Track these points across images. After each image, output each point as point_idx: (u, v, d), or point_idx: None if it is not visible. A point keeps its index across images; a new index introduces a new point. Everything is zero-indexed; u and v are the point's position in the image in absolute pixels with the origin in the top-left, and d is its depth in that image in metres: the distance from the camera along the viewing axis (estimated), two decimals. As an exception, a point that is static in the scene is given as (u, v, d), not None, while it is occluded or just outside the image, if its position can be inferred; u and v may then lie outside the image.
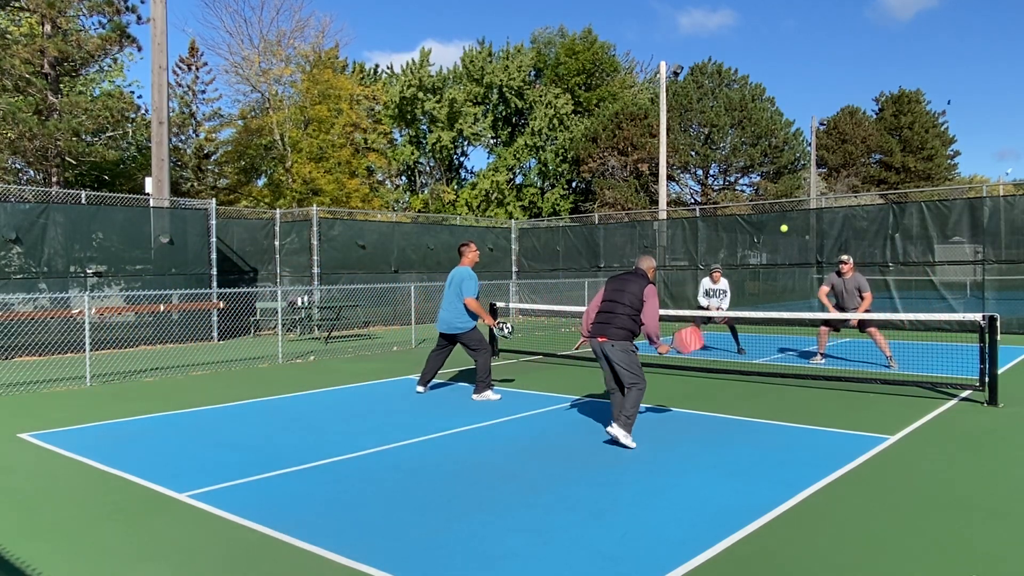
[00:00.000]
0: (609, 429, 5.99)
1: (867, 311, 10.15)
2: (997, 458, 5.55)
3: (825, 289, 10.75)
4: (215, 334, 15.49)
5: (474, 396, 8.33)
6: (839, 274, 10.53)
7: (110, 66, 26.78)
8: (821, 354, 11.09)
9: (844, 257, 10.54)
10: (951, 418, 6.99)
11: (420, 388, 8.79)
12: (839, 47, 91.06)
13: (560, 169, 36.94)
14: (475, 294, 8.41)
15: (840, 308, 10.54)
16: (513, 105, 36.58)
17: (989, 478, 5.03)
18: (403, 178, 38.07)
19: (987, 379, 7.53)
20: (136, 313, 14.63)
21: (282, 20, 38.11)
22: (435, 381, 9.82)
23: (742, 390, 8.66)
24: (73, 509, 4.61)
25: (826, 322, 10.88)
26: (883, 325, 11.32)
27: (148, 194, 16.37)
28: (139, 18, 20.29)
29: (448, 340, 8.60)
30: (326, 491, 4.89)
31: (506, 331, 9.09)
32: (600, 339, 6.25)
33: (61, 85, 21.58)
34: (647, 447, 5.97)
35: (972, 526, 4.12)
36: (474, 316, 8.46)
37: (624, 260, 21.12)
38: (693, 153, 35.17)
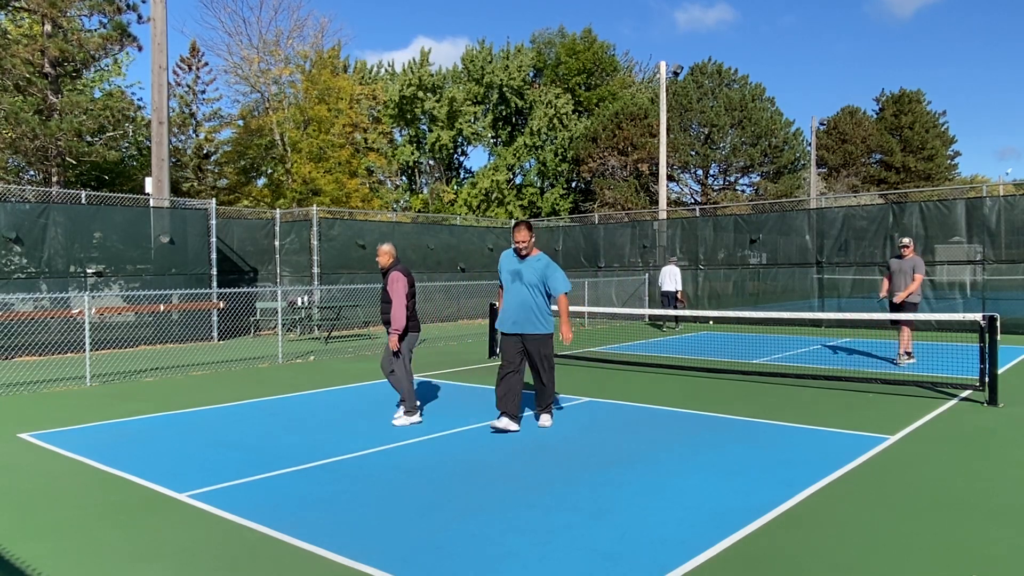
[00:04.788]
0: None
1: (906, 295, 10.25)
2: (997, 458, 5.55)
3: (889, 274, 10.66)
4: (215, 334, 15.49)
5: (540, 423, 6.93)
6: (899, 257, 10.51)
7: (109, 66, 26.79)
8: (901, 353, 10.63)
9: (906, 240, 10.55)
10: (951, 418, 6.99)
11: (514, 427, 6.55)
12: (838, 44, 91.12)
13: (560, 169, 36.94)
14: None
15: (891, 289, 10.50)
16: (513, 105, 36.58)
17: (989, 478, 5.03)
18: (403, 178, 38.06)
19: (987, 379, 7.53)
20: (136, 313, 14.62)
21: (280, 20, 38.22)
22: (436, 381, 9.82)
23: (742, 390, 8.66)
24: (73, 509, 4.61)
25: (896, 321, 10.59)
26: (880, 325, 11.33)
27: (148, 194, 16.36)
28: (140, 17, 20.29)
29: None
30: (326, 491, 4.89)
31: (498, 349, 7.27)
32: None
33: (62, 85, 21.59)
34: (647, 447, 5.98)
35: (972, 526, 4.12)
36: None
37: (624, 260, 21.12)
38: (693, 153, 35.16)
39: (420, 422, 7.03)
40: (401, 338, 6.98)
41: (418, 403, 7.29)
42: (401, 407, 7.08)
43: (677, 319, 18.21)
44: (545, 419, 6.83)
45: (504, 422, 6.45)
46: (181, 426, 7.05)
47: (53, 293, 12.95)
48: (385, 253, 7.24)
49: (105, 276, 14.22)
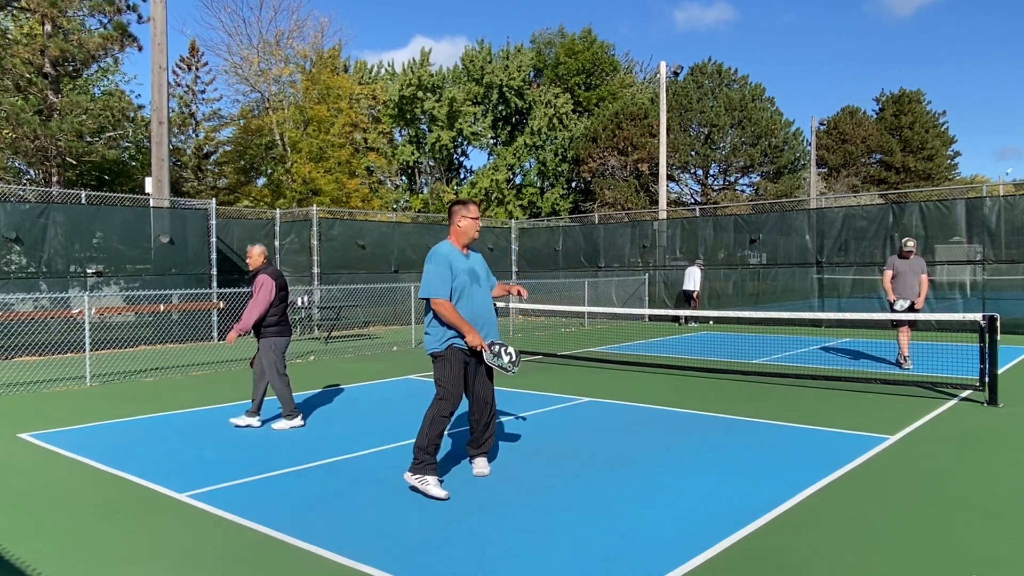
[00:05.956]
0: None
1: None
2: (997, 458, 5.55)
3: (889, 274, 10.33)
4: (215, 334, 15.49)
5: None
6: (903, 258, 10.29)
7: (110, 65, 26.81)
8: (905, 356, 10.37)
9: (911, 242, 10.33)
10: (951, 418, 6.99)
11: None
12: (838, 44, 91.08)
13: (560, 169, 36.95)
14: (433, 292, 4.83)
15: (899, 289, 10.27)
16: (513, 105, 36.58)
17: (989, 478, 5.03)
18: (403, 178, 38.07)
19: (987, 379, 7.54)
20: (136, 313, 14.62)
21: (280, 20, 38.21)
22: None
23: (742, 390, 8.66)
24: (73, 509, 4.61)
25: (900, 321, 10.34)
26: (880, 325, 11.35)
27: (148, 194, 16.38)
28: (140, 17, 20.33)
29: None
30: (326, 491, 4.89)
31: (505, 361, 4.99)
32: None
33: (61, 85, 21.59)
34: (647, 447, 5.97)
35: (972, 526, 4.12)
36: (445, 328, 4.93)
37: (624, 260, 21.12)
38: (693, 153, 35.17)
39: (303, 425, 6.92)
40: (258, 337, 6.83)
41: (296, 406, 6.97)
42: (281, 414, 6.92)
43: (676, 318, 18.71)
44: (482, 464, 5.23)
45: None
46: (181, 426, 7.05)
47: (53, 293, 12.94)
48: (256, 254, 6.96)
49: (105, 276, 14.23)
